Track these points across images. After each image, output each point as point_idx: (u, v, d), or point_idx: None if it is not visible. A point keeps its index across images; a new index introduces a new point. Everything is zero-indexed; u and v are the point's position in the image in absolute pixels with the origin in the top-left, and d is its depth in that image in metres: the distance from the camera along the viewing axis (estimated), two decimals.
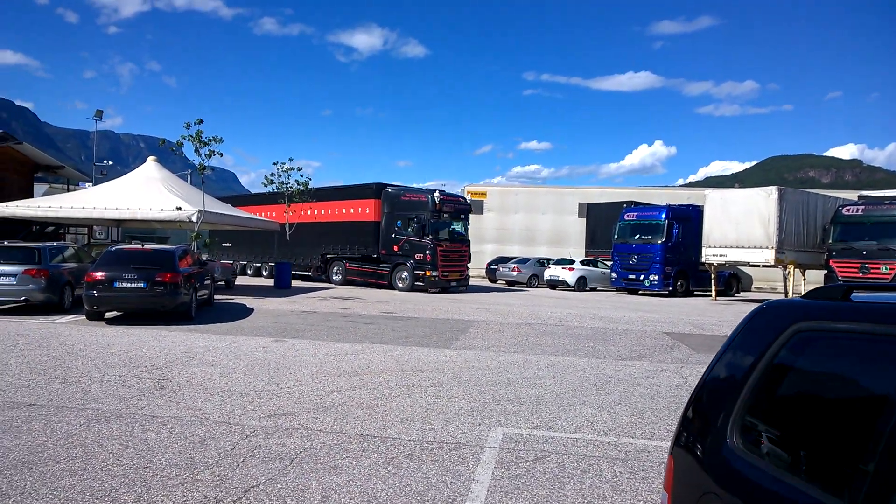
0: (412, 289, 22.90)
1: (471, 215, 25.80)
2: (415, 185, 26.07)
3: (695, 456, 2.20)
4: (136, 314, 12.93)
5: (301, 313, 14.79)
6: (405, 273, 23.32)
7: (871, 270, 19.20)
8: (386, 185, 24.67)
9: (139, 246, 14.28)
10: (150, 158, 20.80)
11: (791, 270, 22.97)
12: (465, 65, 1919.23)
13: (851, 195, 26.94)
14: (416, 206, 23.32)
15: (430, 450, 5.18)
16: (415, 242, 23.02)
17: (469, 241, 24.98)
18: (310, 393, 6.98)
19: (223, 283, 21.90)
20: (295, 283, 24.70)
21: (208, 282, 15.55)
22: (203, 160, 17.95)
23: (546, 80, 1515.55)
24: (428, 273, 22.53)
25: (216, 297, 17.00)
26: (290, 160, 25.26)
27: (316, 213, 26.34)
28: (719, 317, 17.28)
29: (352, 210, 25.35)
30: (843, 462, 1.70)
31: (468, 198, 29.05)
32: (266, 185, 25.90)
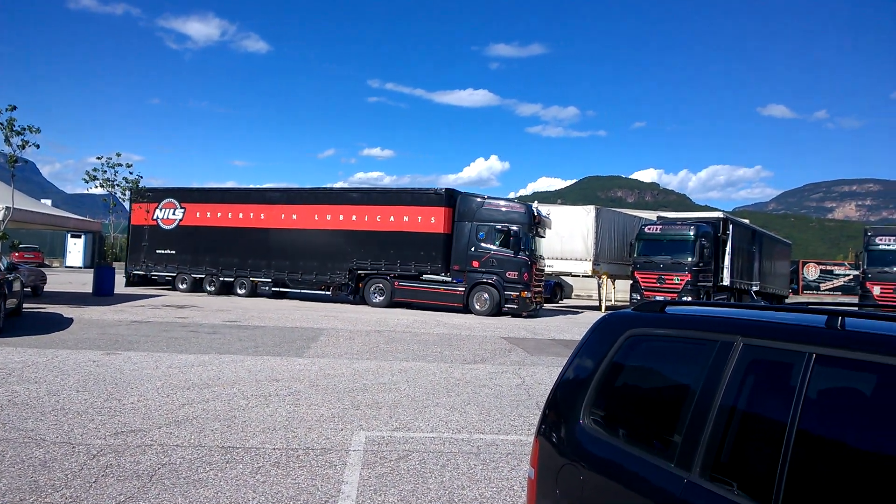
0: (497, 313, 19.71)
1: None
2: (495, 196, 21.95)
3: (557, 435, 2.71)
4: None
5: (132, 323, 13.71)
6: (486, 295, 19.86)
7: (667, 281, 22.29)
8: (457, 191, 21.14)
9: None
10: None
11: (604, 280, 25.85)
12: (310, 66, 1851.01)
13: (651, 214, 30.92)
14: (510, 216, 20.08)
15: (297, 456, 5.30)
16: (506, 258, 19.73)
17: (544, 258, 22.08)
18: (158, 408, 6.67)
19: (29, 290, 19.43)
20: (159, 291, 22.59)
21: (17, 289, 13.80)
22: (15, 151, 15.81)
23: (391, 88, 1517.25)
24: (523, 294, 19.47)
25: (23, 305, 15.11)
26: (118, 155, 22.84)
27: (340, 218, 21.93)
28: (548, 322, 18.98)
29: (405, 218, 20.95)
30: (663, 432, 2.30)
31: None
32: (88, 182, 23.28)
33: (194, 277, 24.16)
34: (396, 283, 21.13)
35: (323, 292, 22.38)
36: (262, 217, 23.12)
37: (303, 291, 22.79)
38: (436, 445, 5.80)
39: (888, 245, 25.84)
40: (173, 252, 24.54)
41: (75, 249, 41.60)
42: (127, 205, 24.88)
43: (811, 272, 41.39)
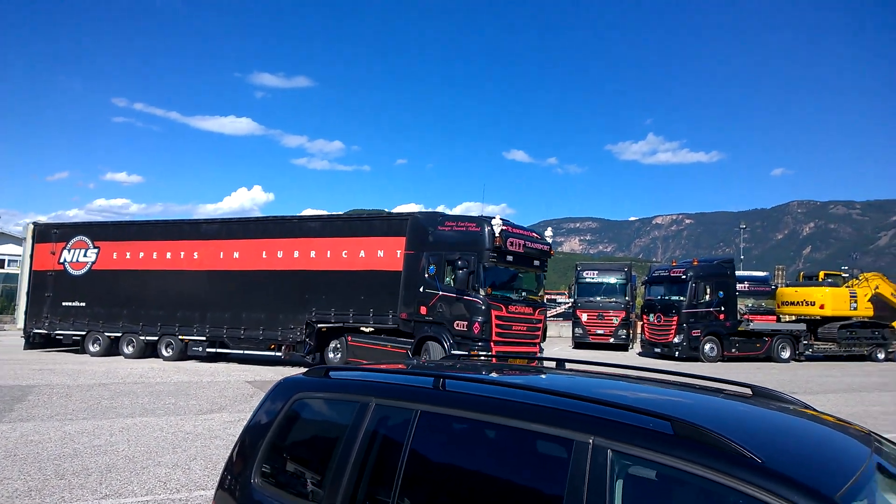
0: None
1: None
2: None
3: (232, 496, 2.95)
4: None
5: None
6: (426, 357, 14.40)
7: None
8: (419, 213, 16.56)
9: None
10: None
11: None
12: (37, 76, 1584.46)
13: None
14: (460, 239, 14.72)
15: None
16: (454, 300, 14.50)
17: (544, 303, 16.50)
18: None
19: None
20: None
21: None
22: None
23: (140, 109, 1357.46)
24: (473, 354, 12.09)
25: None
26: None
27: (294, 255, 16.91)
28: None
29: (380, 253, 15.97)
30: (315, 485, 2.72)
31: None
32: None
33: (109, 337, 18.75)
34: (350, 339, 16.52)
35: (272, 353, 17.37)
36: (196, 256, 18.07)
37: (246, 353, 17.55)
38: None
39: (592, 278, 31.11)
40: (83, 304, 19.04)
41: None
42: None
43: None
